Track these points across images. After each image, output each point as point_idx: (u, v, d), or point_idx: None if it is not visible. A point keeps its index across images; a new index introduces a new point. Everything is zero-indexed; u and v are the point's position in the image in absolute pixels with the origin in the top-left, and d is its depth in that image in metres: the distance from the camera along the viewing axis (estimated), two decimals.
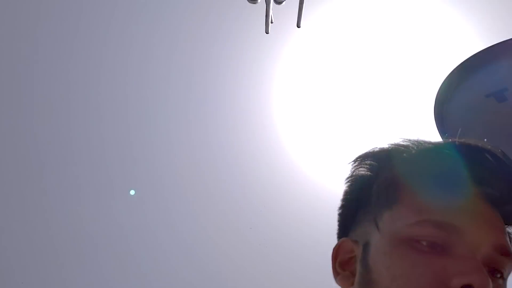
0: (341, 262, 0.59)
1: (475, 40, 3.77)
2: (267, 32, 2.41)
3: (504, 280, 0.52)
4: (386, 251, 0.52)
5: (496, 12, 3.74)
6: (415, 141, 0.59)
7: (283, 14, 2.59)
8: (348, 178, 0.63)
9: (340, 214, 0.65)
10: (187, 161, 4.73)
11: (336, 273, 0.59)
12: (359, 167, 0.62)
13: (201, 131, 4.70)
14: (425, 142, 0.59)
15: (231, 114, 4.65)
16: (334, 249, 0.61)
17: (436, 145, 0.58)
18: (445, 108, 1.69)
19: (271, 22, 2.42)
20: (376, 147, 0.62)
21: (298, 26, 2.40)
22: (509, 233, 0.58)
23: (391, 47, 4.16)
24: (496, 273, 0.51)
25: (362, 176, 0.62)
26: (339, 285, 0.59)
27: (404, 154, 0.58)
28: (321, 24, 4.13)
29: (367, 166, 0.62)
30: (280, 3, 2.36)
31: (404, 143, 0.60)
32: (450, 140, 0.59)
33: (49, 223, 4.56)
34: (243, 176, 4.73)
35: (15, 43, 4.32)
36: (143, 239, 4.69)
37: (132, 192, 4.57)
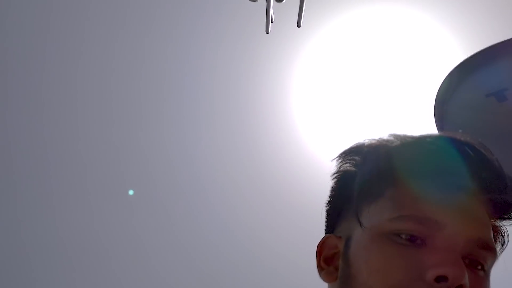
0: (325, 258, 0.60)
1: (475, 40, 3.77)
2: (267, 32, 2.40)
3: (486, 272, 0.52)
4: (366, 245, 0.53)
5: (496, 12, 3.74)
6: (398, 135, 0.60)
7: (283, 14, 2.59)
8: (334, 174, 0.64)
9: (326, 211, 0.66)
10: (186, 161, 4.73)
11: (320, 269, 0.60)
12: (344, 163, 0.63)
13: (200, 131, 4.70)
14: (407, 136, 0.59)
15: (230, 114, 4.65)
16: (318, 245, 0.62)
17: (417, 139, 0.59)
18: (445, 108, 1.68)
19: (272, 22, 2.41)
20: (360, 142, 0.63)
21: (299, 25, 2.40)
22: (497, 226, 0.59)
23: (392, 46, 4.16)
24: (476, 264, 0.51)
25: (346, 171, 0.62)
26: (323, 280, 0.60)
27: (386, 149, 0.58)
28: (321, 24, 4.13)
29: (352, 161, 0.62)
30: (280, 1, 2.35)
31: (387, 138, 0.60)
32: (430, 133, 0.59)
33: (48, 223, 4.56)
34: (242, 176, 4.73)
35: (14, 43, 4.33)
36: (143, 239, 4.68)
37: (130, 192, 4.57)
